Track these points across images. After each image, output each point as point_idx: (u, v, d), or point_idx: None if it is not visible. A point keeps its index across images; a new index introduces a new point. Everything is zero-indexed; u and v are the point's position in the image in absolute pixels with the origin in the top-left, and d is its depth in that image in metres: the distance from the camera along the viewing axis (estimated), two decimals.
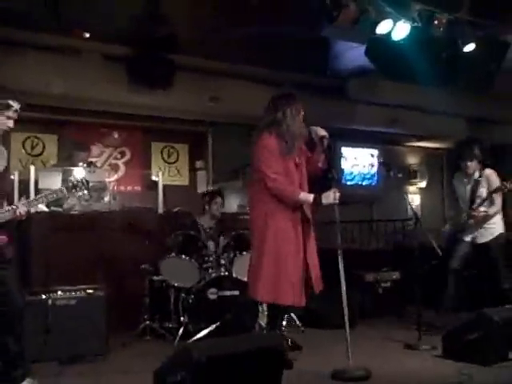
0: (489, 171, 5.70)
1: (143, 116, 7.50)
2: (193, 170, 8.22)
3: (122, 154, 7.67)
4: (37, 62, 6.30)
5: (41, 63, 6.32)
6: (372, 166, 9.71)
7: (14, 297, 3.82)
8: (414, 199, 10.63)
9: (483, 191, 5.60)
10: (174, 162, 8.11)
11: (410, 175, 10.91)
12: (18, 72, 6.14)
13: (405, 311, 6.37)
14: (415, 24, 5.14)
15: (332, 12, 4.98)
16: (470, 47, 5.54)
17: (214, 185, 8.07)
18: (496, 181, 5.62)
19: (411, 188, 10.98)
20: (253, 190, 4.47)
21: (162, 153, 8.01)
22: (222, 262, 5.66)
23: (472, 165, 5.63)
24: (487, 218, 5.53)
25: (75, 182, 3.97)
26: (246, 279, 5.41)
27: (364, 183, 9.73)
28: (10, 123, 3.79)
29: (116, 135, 7.59)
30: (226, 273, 5.56)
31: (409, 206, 5.62)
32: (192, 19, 6.37)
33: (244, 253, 5.62)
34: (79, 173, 6.47)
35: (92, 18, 6.07)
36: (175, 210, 6.88)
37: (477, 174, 5.68)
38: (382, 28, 5.16)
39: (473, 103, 8.71)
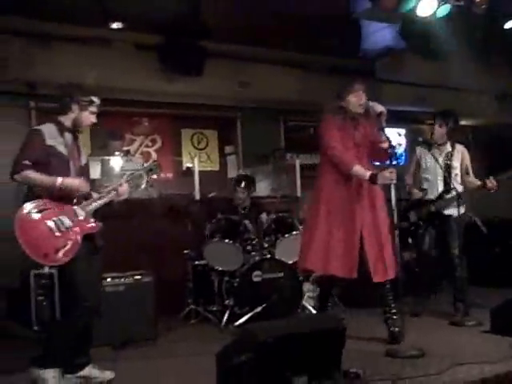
0: (462, 147, 5.63)
1: (173, 103, 7.52)
2: (223, 156, 8.24)
3: (153, 142, 7.71)
4: (68, 53, 6.35)
5: (73, 55, 6.36)
6: (400, 145, 9.65)
7: (99, 288, 4.02)
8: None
9: (457, 165, 5.49)
10: (204, 148, 8.13)
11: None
12: (51, 64, 6.19)
13: (441, 288, 6.38)
14: (457, 3, 5.11)
15: None
16: (510, 24, 5.50)
17: (245, 169, 8.08)
18: (468, 158, 5.58)
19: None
20: (319, 171, 4.67)
21: (192, 139, 8.03)
22: (265, 244, 5.71)
23: (440, 131, 5.50)
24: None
25: (151, 166, 4.19)
26: (289, 261, 5.54)
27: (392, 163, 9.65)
28: (94, 118, 3.92)
29: (146, 123, 7.62)
30: (269, 255, 5.61)
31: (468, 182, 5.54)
32: (221, 5, 6.35)
33: (286, 235, 5.69)
34: (116, 162, 6.56)
35: (122, 6, 6.09)
36: (210, 195, 6.94)
37: (448, 147, 5.52)
38: (424, 9, 5.13)
39: (502, 80, 8.63)
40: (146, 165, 4.26)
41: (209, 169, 8.13)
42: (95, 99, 3.91)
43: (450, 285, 5.61)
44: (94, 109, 3.91)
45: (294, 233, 5.70)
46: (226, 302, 5.48)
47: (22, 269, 5.20)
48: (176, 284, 5.82)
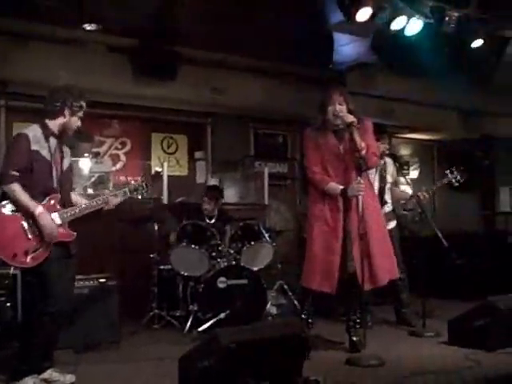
0: (389, 159, 5.81)
1: (144, 106, 7.50)
2: (192, 161, 8.25)
3: (123, 145, 7.68)
4: (42, 53, 6.28)
5: (47, 54, 6.29)
6: None
7: (71, 292, 3.98)
8: (406, 190, 10.76)
9: (389, 178, 5.67)
10: (174, 153, 8.12)
11: (403, 166, 11.05)
12: (24, 64, 6.12)
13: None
14: (428, 20, 5.24)
15: (350, 9, 5.06)
16: (477, 43, 5.66)
17: (214, 175, 8.13)
18: (395, 170, 5.83)
19: (402, 179, 11.10)
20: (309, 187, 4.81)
21: (161, 143, 8.03)
22: (231, 251, 5.75)
23: (385, 146, 5.66)
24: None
25: (137, 186, 4.19)
26: (254, 268, 5.60)
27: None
28: (79, 123, 3.92)
29: (117, 125, 7.59)
30: (234, 262, 5.65)
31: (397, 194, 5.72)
32: (195, 11, 6.38)
33: (252, 243, 5.74)
34: (85, 164, 6.53)
35: (97, 9, 6.08)
36: (179, 200, 6.97)
37: (381, 162, 5.58)
38: (397, 24, 5.26)
39: (466, 96, 8.83)
40: (132, 183, 4.23)
41: (178, 173, 8.13)
42: (84, 104, 3.90)
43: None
44: (81, 114, 3.89)
45: (260, 241, 5.75)
46: (190, 307, 5.49)
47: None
48: (141, 288, 5.82)
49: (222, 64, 7.41)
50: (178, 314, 5.73)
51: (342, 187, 4.47)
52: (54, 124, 3.83)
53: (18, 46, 6.07)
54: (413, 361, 4.31)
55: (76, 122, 3.88)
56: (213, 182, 7.89)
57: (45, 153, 3.75)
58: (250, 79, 7.71)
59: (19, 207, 3.63)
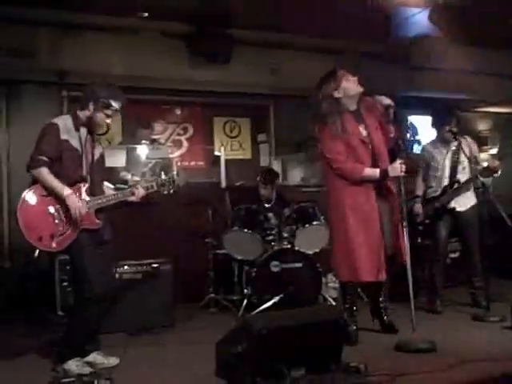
0: (468, 137, 5.49)
1: (204, 91, 7.53)
2: (255, 144, 8.21)
3: (185, 130, 7.73)
4: (96, 43, 6.42)
5: (101, 44, 6.43)
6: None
7: (109, 278, 4.06)
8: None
9: (465, 159, 5.32)
10: (237, 136, 8.11)
11: (481, 142, 10.54)
12: (79, 54, 6.27)
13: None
14: None
15: None
16: None
17: (277, 157, 8.06)
18: (476, 149, 5.51)
19: (482, 155, 10.60)
20: (325, 171, 4.54)
21: (224, 127, 8.02)
22: (285, 234, 5.68)
23: (452, 125, 5.30)
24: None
25: (164, 181, 4.18)
26: (308, 252, 5.50)
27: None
28: (108, 120, 3.95)
29: (178, 111, 7.64)
30: (289, 245, 5.57)
31: (476, 175, 5.38)
32: None
33: (306, 225, 5.65)
34: (142, 150, 6.63)
35: None
36: (238, 183, 6.95)
37: (453, 143, 5.36)
38: None
39: None
40: (161, 178, 4.22)
41: (241, 157, 8.11)
42: (114, 103, 3.89)
43: (469, 279, 5.50)
44: (109, 112, 3.91)
45: (315, 223, 5.64)
46: (245, 291, 5.48)
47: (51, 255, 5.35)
48: (197, 272, 5.87)
49: (278, 44, 7.29)
50: (234, 298, 5.73)
51: (379, 169, 4.26)
52: (83, 115, 3.88)
53: (74, 37, 6.24)
54: (468, 346, 4.08)
55: (102, 119, 3.89)
56: (275, 164, 7.83)
57: (75, 142, 3.82)
58: (308, 58, 7.53)
59: (48, 190, 3.71)
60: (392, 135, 4.28)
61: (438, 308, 5.30)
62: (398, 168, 4.20)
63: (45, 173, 3.69)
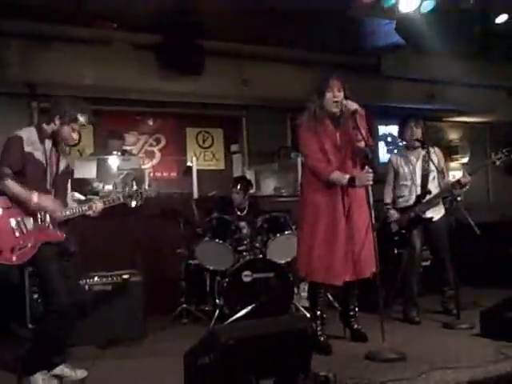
0: (437, 149, 5.54)
1: (177, 102, 7.55)
2: (228, 154, 8.23)
3: (158, 141, 7.73)
4: (67, 54, 6.41)
5: (71, 55, 6.42)
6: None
7: (74, 290, 3.99)
8: (456, 175, 10.37)
9: (434, 168, 5.33)
10: (210, 147, 8.14)
11: (452, 151, 10.67)
12: (49, 66, 6.26)
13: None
14: None
15: None
16: (502, 18, 5.35)
17: (250, 167, 8.08)
18: (443, 160, 5.55)
19: (452, 164, 10.73)
20: (303, 172, 4.68)
21: (196, 138, 8.05)
22: (257, 244, 5.68)
23: (417, 132, 5.35)
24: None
25: (131, 193, 4.16)
26: (279, 261, 5.51)
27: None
28: (75, 136, 3.91)
29: (151, 122, 7.65)
30: (261, 255, 5.57)
31: (444, 183, 5.44)
32: (218, 3, 6.32)
33: (278, 235, 5.64)
34: (114, 161, 6.59)
35: (120, 7, 6.12)
36: (210, 194, 6.94)
37: (422, 150, 5.38)
38: (406, 5, 5.02)
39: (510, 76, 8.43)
40: (127, 190, 4.19)
41: (214, 168, 8.12)
42: (81, 118, 3.84)
43: (440, 287, 5.55)
44: (76, 126, 3.85)
45: (286, 232, 5.64)
46: (217, 301, 5.45)
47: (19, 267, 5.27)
48: (169, 283, 5.82)
49: (251, 56, 7.35)
50: (206, 309, 5.71)
51: (348, 176, 4.28)
52: (49, 128, 3.84)
53: (43, 49, 6.21)
54: (437, 354, 4.09)
55: (69, 133, 3.84)
56: (248, 174, 7.84)
57: (38, 155, 3.77)
58: (281, 69, 7.63)
59: (15, 200, 3.67)
60: (360, 143, 4.26)
61: (416, 318, 5.28)
62: (364, 177, 4.20)
63: (11, 185, 3.65)
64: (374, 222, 4.21)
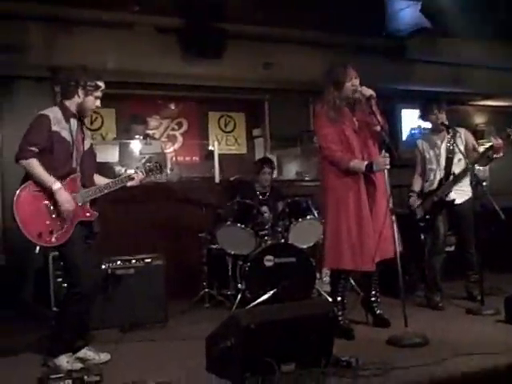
0: (463, 129, 5.42)
1: (199, 86, 7.52)
2: (250, 139, 8.20)
3: (180, 125, 7.73)
4: (89, 38, 6.39)
5: (93, 39, 6.41)
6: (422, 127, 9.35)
7: (97, 271, 4.04)
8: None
9: (461, 149, 5.18)
10: (232, 131, 8.11)
11: (477, 135, 10.50)
12: (72, 49, 6.25)
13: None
14: None
15: None
16: None
17: (272, 152, 8.04)
18: (472, 138, 5.41)
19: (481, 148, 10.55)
20: (321, 161, 4.58)
21: (219, 122, 8.02)
22: (278, 229, 5.66)
23: (441, 116, 5.25)
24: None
25: (151, 166, 4.15)
26: (301, 246, 5.49)
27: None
28: (98, 103, 3.91)
29: (173, 106, 7.64)
30: (283, 240, 5.56)
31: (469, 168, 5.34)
32: None
33: (300, 220, 5.61)
34: (136, 145, 6.60)
35: None
36: (232, 178, 6.93)
37: (446, 134, 5.29)
38: None
39: None
40: (147, 164, 4.20)
41: (236, 152, 8.10)
42: (100, 83, 3.86)
43: (464, 272, 5.48)
44: (98, 93, 3.86)
45: (308, 217, 5.61)
46: (239, 285, 5.46)
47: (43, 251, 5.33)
48: (191, 268, 5.85)
49: (271, 38, 7.27)
50: (228, 293, 5.71)
51: (366, 162, 4.27)
52: (71, 104, 3.83)
53: (66, 32, 6.21)
54: (460, 340, 4.06)
55: (93, 102, 3.84)
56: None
57: (65, 134, 3.78)
58: (303, 52, 7.54)
59: (37, 182, 3.68)
60: (376, 127, 4.25)
61: (439, 304, 5.24)
62: (381, 162, 4.20)
63: (34, 164, 3.65)
64: (391, 208, 4.17)
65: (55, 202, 3.69)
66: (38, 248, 3.92)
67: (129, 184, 4.03)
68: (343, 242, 4.33)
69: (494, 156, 5.04)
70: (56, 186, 3.66)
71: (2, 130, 6.51)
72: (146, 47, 6.65)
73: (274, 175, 6.60)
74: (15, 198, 3.65)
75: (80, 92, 3.81)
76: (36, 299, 5.70)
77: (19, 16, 6.12)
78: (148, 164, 4.18)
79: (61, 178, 3.73)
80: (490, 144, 5.06)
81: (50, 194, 3.70)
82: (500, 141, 4.96)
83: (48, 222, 3.67)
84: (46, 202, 3.70)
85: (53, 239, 3.67)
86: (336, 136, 4.35)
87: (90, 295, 3.82)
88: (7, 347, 4.36)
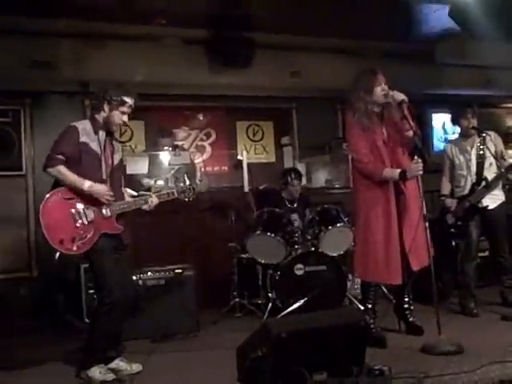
0: (492, 132, 5.33)
1: (226, 96, 7.52)
2: (279, 147, 8.18)
3: (208, 136, 7.73)
4: (117, 52, 6.46)
5: (122, 53, 6.48)
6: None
7: (128, 282, 4.09)
8: None
9: (491, 154, 5.17)
10: (260, 140, 8.08)
11: (509, 138, 10.32)
12: (101, 64, 6.33)
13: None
14: None
15: None
16: None
17: (301, 160, 8.01)
18: (501, 143, 5.35)
19: (510, 152, 10.38)
20: (353, 171, 4.62)
21: (247, 131, 8.01)
22: (308, 237, 5.64)
23: (472, 122, 5.22)
24: None
25: (184, 188, 4.20)
26: (332, 254, 5.45)
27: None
28: (125, 118, 3.96)
29: (201, 117, 7.64)
30: (313, 248, 5.53)
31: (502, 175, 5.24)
32: None
33: (330, 227, 5.59)
34: (165, 157, 6.66)
35: (169, 3, 6.16)
36: (261, 187, 6.92)
37: (477, 138, 5.24)
38: None
39: None
40: (181, 185, 4.24)
41: (265, 160, 8.09)
42: (127, 99, 3.91)
43: (498, 277, 5.38)
44: (125, 109, 3.92)
45: (339, 225, 5.59)
46: (270, 295, 5.45)
47: (76, 263, 5.40)
48: (222, 277, 5.86)
49: (298, 47, 7.27)
50: (259, 302, 5.71)
51: (399, 170, 4.24)
52: (100, 117, 3.91)
53: (95, 47, 6.27)
54: (496, 347, 3.97)
55: (119, 117, 3.90)
56: (300, 167, 7.77)
57: (94, 145, 3.85)
58: (329, 59, 7.52)
59: (68, 186, 3.76)
60: (408, 133, 4.20)
61: (474, 310, 5.17)
62: (414, 168, 4.16)
63: (62, 170, 3.75)
64: (425, 212, 4.11)
65: (84, 210, 3.76)
66: (57, 254, 3.95)
67: (144, 207, 4.03)
68: (370, 256, 4.33)
69: None
70: (86, 183, 3.75)
71: (34, 145, 6.61)
72: (174, 59, 6.70)
73: (304, 183, 6.58)
74: (43, 203, 3.75)
75: (105, 106, 3.88)
76: (68, 311, 5.75)
77: (50, 32, 6.22)
78: (181, 185, 4.19)
79: None
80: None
81: (80, 199, 3.77)
82: None
83: (71, 230, 3.74)
84: (73, 209, 3.77)
85: (74, 247, 3.73)
86: (368, 146, 4.34)
87: (121, 305, 3.84)
88: (40, 359, 4.43)
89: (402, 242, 4.30)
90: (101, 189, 3.80)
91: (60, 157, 3.76)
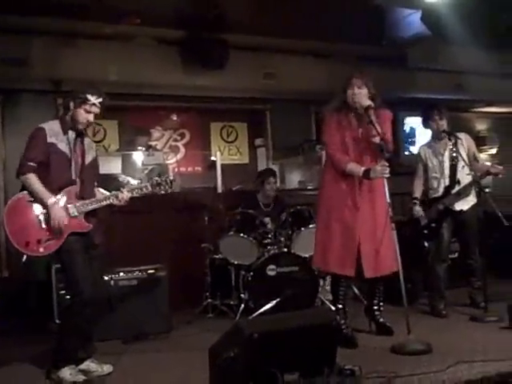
0: (463, 134, 5.39)
1: (200, 97, 7.55)
2: (253, 148, 8.22)
3: (182, 136, 7.75)
4: (91, 50, 6.44)
5: (95, 52, 6.45)
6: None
7: (99, 281, 4.08)
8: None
9: (464, 156, 5.18)
10: (234, 141, 8.14)
11: (479, 142, 10.49)
12: (74, 62, 6.29)
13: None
14: None
15: None
16: None
17: (275, 162, 8.05)
18: (473, 145, 5.42)
19: (481, 155, 10.55)
20: (324, 165, 4.75)
21: (221, 132, 8.05)
22: (281, 238, 5.66)
23: (442, 123, 5.25)
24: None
25: (160, 181, 4.08)
26: (304, 255, 5.49)
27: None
28: (90, 117, 3.89)
29: (175, 117, 7.65)
30: (285, 249, 5.55)
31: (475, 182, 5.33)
32: None
33: (302, 229, 5.62)
34: (138, 157, 6.63)
35: (143, 2, 6.15)
36: (235, 188, 6.94)
37: (448, 140, 5.27)
38: None
39: None
40: (155, 179, 4.14)
41: (238, 162, 8.12)
42: (91, 97, 3.83)
43: (467, 279, 5.47)
44: (87, 107, 3.84)
45: (311, 226, 5.60)
46: (242, 295, 5.45)
47: (47, 263, 5.35)
48: (194, 278, 5.84)
49: (271, 48, 7.32)
50: (231, 303, 5.70)
51: (364, 168, 4.29)
52: (68, 117, 3.89)
53: (67, 45, 6.24)
54: (464, 347, 4.04)
55: (83, 116, 3.83)
56: (273, 168, 7.80)
57: (62, 146, 3.81)
58: (304, 62, 7.59)
59: (34, 197, 3.74)
60: (375, 139, 4.25)
61: (443, 311, 5.22)
62: (379, 170, 4.21)
63: (32, 179, 3.72)
64: (391, 218, 4.17)
65: (46, 213, 3.73)
66: (24, 257, 3.92)
67: (114, 202, 3.96)
68: (329, 247, 4.43)
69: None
70: (50, 201, 3.71)
71: (5, 143, 6.55)
72: (148, 59, 6.69)
73: (277, 184, 6.61)
74: (6, 208, 3.74)
75: (71, 104, 3.86)
76: (39, 311, 5.69)
77: (22, 30, 6.16)
78: (156, 178, 4.16)
79: (57, 189, 3.77)
80: (486, 170, 5.17)
81: (41, 204, 3.75)
82: (500, 168, 5.11)
83: (37, 232, 3.71)
84: (37, 212, 3.74)
85: (41, 249, 3.71)
86: (338, 138, 4.43)
87: (91, 305, 3.82)
88: (10, 359, 4.38)
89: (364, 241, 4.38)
90: (58, 215, 3.72)
91: (31, 164, 3.73)
